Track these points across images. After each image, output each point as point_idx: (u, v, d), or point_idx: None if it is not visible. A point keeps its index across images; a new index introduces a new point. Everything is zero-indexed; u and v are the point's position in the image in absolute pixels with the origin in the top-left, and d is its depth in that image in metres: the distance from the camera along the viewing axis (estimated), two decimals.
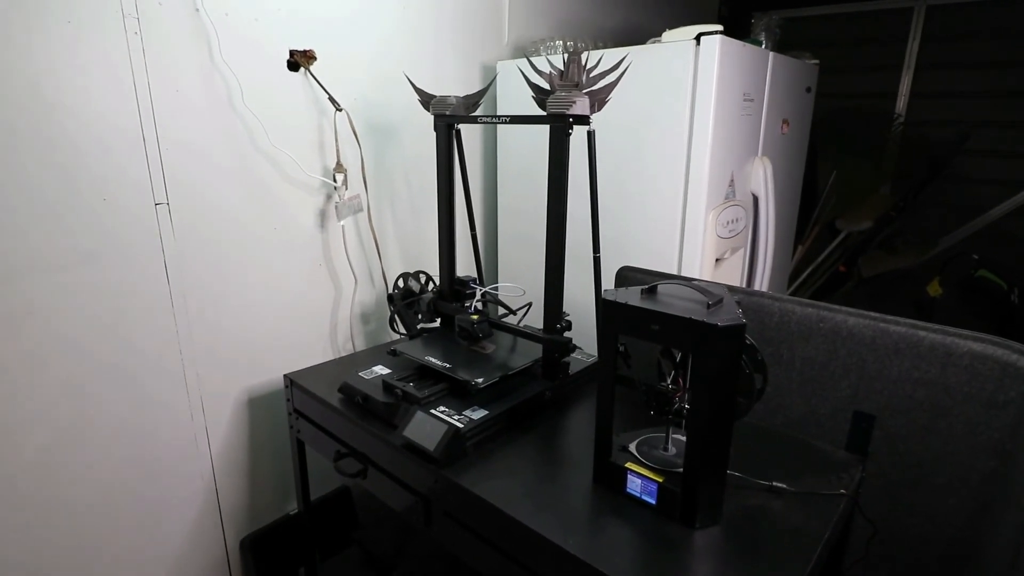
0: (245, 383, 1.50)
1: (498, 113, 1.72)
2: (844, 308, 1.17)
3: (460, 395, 1.17)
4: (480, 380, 1.14)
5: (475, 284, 1.45)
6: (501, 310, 1.54)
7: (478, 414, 1.10)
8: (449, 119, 1.36)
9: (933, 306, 2.76)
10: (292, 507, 1.66)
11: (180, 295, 1.32)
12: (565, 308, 1.26)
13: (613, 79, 1.14)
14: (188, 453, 1.42)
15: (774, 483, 0.95)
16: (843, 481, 0.98)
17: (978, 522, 1.05)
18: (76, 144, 1.12)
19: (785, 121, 1.91)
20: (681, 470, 0.89)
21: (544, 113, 1.16)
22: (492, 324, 1.38)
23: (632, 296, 0.89)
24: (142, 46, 1.18)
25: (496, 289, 1.49)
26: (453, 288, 1.47)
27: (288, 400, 1.41)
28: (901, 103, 2.82)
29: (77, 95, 1.11)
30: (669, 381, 0.93)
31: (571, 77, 1.14)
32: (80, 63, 1.11)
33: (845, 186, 2.88)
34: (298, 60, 1.42)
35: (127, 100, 1.18)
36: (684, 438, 0.97)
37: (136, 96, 1.19)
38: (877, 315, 1.14)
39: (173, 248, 1.29)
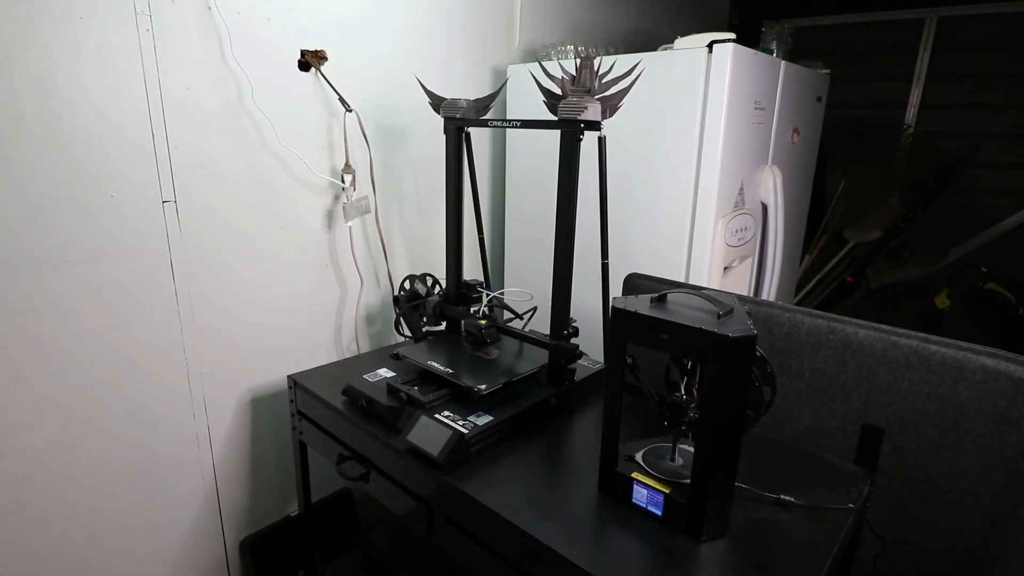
0: (248, 383, 1.49)
1: (508, 117, 1.71)
2: (854, 320, 1.16)
3: (465, 400, 1.16)
4: (483, 387, 1.13)
5: (482, 288, 1.45)
6: (507, 314, 1.53)
7: (483, 420, 1.09)
8: (459, 122, 1.36)
9: (940, 318, 2.74)
10: (293, 509, 1.66)
11: (185, 292, 1.32)
12: (571, 314, 1.25)
13: (625, 85, 1.13)
14: (189, 452, 1.41)
15: (782, 496, 0.94)
16: (851, 495, 0.97)
17: (988, 539, 1.03)
18: (84, 139, 1.12)
19: (795, 130, 1.90)
20: (688, 481, 0.88)
21: (555, 118, 1.15)
22: (500, 330, 1.37)
23: (642, 305, 0.88)
24: (153, 43, 1.17)
25: (503, 293, 1.48)
26: (459, 291, 1.46)
27: (291, 401, 1.40)
28: (911, 114, 2.81)
29: (87, 91, 1.11)
30: (683, 391, 0.92)
31: (583, 82, 1.14)
32: (91, 59, 1.10)
33: (854, 196, 2.86)
34: (309, 60, 1.41)
35: (137, 96, 1.17)
36: (691, 449, 0.96)
37: (146, 93, 1.19)
38: (888, 328, 1.12)
39: (179, 246, 1.29)
